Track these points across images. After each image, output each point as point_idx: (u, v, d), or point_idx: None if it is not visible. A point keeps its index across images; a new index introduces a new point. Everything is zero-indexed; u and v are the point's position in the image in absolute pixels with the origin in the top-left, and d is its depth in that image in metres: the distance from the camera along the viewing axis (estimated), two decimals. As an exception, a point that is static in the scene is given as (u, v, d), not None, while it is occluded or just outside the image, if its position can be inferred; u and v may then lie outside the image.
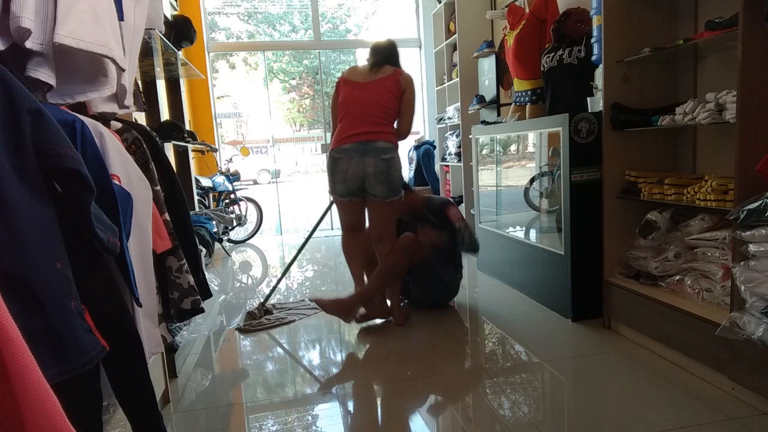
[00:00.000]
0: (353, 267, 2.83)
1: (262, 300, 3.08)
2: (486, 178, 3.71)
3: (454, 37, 4.57)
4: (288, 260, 3.39)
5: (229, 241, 5.26)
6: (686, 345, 1.94)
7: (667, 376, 1.94)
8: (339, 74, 2.77)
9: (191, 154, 4.07)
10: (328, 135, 2.82)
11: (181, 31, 3.52)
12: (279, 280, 3.27)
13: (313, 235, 3.45)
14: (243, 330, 2.74)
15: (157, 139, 1.82)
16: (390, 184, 2.54)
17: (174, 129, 3.42)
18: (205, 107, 5.54)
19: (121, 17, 1.39)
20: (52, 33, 1.06)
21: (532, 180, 3.30)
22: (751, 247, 1.59)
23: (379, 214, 2.65)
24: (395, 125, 2.63)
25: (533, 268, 2.91)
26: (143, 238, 1.45)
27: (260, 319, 2.85)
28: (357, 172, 2.52)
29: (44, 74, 1.09)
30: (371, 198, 2.60)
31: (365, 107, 2.55)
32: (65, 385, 0.83)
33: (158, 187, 1.66)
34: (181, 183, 1.90)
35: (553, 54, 2.80)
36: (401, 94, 2.59)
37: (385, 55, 2.66)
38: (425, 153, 5.40)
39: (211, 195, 5.06)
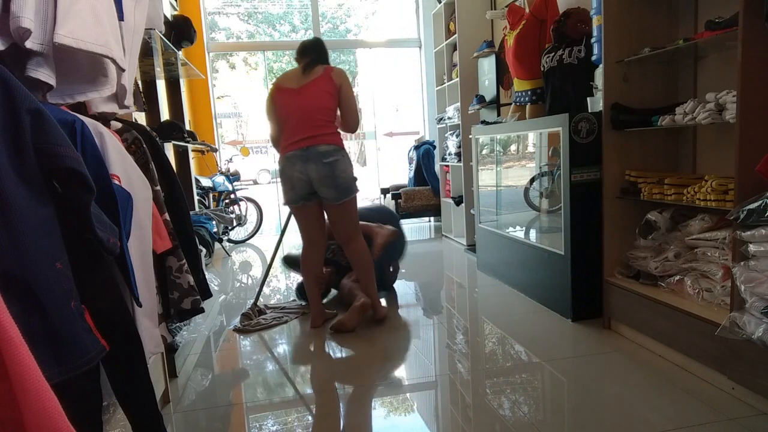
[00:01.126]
0: (310, 287, 2.78)
1: (253, 300, 3.08)
2: (486, 178, 3.71)
3: (454, 37, 4.57)
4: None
5: (229, 241, 5.26)
6: (686, 345, 1.94)
7: (668, 376, 1.94)
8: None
9: (191, 154, 4.07)
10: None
11: (181, 31, 3.52)
12: (263, 282, 3.24)
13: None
14: (241, 330, 2.74)
15: (157, 139, 1.82)
16: (337, 186, 2.53)
17: (174, 129, 3.42)
18: (205, 107, 5.54)
19: (121, 17, 1.39)
20: (52, 33, 1.06)
21: (532, 180, 3.30)
22: (751, 247, 1.59)
23: (337, 217, 2.65)
24: (339, 122, 2.62)
25: (533, 268, 2.91)
26: (143, 238, 1.45)
27: (257, 319, 2.85)
28: (301, 178, 2.53)
29: (44, 74, 1.09)
30: (324, 202, 2.61)
31: (303, 113, 2.53)
32: (65, 385, 0.83)
33: (158, 187, 1.66)
34: (181, 183, 1.91)
35: (553, 54, 2.80)
36: (337, 90, 2.55)
37: (316, 54, 2.62)
38: (425, 153, 5.40)
39: (211, 195, 5.06)
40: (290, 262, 3.24)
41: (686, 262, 2.10)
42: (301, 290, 3.14)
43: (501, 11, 3.87)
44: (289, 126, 2.56)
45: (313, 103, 2.52)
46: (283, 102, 2.58)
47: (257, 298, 3.09)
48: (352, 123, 2.60)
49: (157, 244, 1.57)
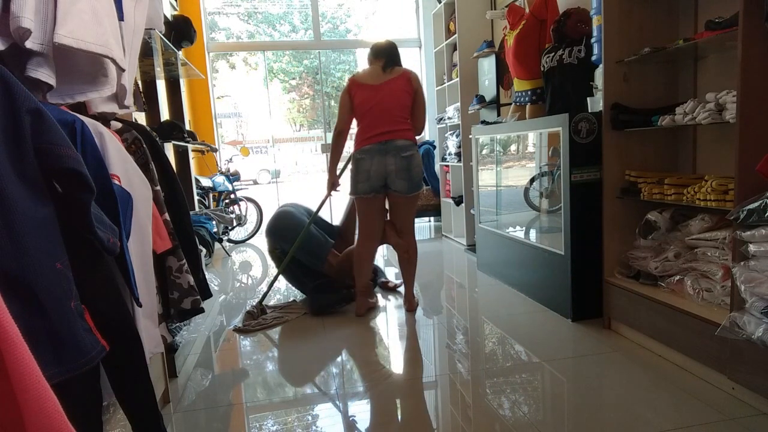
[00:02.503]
0: (363, 278, 2.91)
1: (259, 299, 3.09)
2: (486, 178, 3.71)
3: (454, 37, 4.56)
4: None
5: (229, 241, 5.26)
6: (686, 345, 1.94)
7: (667, 376, 1.94)
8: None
9: (191, 154, 4.06)
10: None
11: (181, 31, 3.53)
12: (273, 282, 3.23)
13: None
14: (242, 330, 2.74)
15: (157, 139, 1.82)
16: (411, 179, 2.67)
17: (174, 129, 3.41)
18: (205, 107, 5.53)
19: (121, 17, 1.39)
20: (52, 33, 1.06)
21: (532, 180, 3.30)
22: (751, 247, 1.59)
23: (402, 209, 2.81)
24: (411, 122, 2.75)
25: (533, 268, 2.91)
26: (143, 238, 1.45)
27: (258, 319, 2.85)
28: (379, 170, 2.65)
29: (44, 74, 1.09)
30: (394, 194, 2.73)
31: (383, 108, 2.66)
32: (65, 385, 0.83)
33: (158, 187, 1.66)
34: (181, 183, 1.91)
35: (553, 54, 2.79)
36: (414, 92, 2.71)
37: (394, 56, 2.77)
38: (425, 153, 5.39)
39: (211, 195, 5.06)
40: (321, 307, 2.99)
41: (686, 262, 2.10)
42: (320, 305, 2.99)
43: (501, 11, 3.87)
44: (368, 120, 2.69)
45: (393, 99, 2.66)
46: (363, 97, 2.69)
47: (264, 297, 3.08)
48: (421, 125, 2.80)
49: (157, 244, 1.57)
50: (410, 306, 2.92)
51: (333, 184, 2.93)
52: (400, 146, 2.63)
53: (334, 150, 2.81)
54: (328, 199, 3.10)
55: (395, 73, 2.70)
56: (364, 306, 2.91)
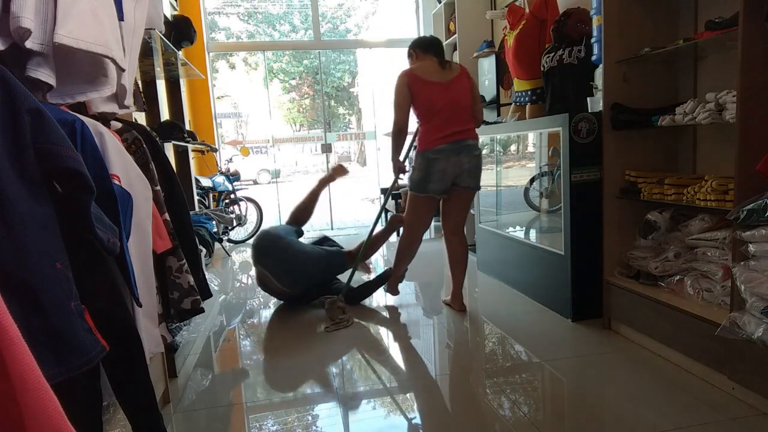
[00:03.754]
0: (406, 263, 3.08)
1: (343, 293, 2.99)
2: (486, 178, 3.71)
3: (454, 37, 4.57)
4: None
5: (229, 241, 5.26)
6: (686, 345, 1.94)
7: (667, 376, 1.94)
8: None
9: (191, 154, 4.06)
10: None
11: (181, 31, 3.53)
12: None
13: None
14: (335, 324, 2.70)
15: (157, 139, 1.82)
16: (478, 176, 2.75)
17: (174, 129, 3.41)
18: (205, 107, 5.53)
19: (121, 17, 1.39)
20: (52, 33, 1.06)
21: (532, 180, 3.30)
22: (751, 247, 1.59)
23: (465, 205, 2.85)
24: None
25: (533, 268, 2.91)
26: (143, 238, 1.45)
27: (345, 315, 2.80)
28: (454, 170, 2.65)
29: (44, 74, 1.09)
30: (461, 190, 2.74)
31: (455, 107, 2.65)
32: (65, 385, 0.83)
33: (158, 187, 1.66)
34: (181, 183, 1.90)
35: (553, 54, 2.80)
36: (473, 88, 2.73)
37: (441, 51, 2.77)
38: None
39: (211, 195, 5.06)
40: (362, 294, 3.14)
41: (686, 262, 2.10)
42: (361, 293, 3.14)
43: (501, 11, 3.87)
44: (440, 119, 2.64)
45: (462, 98, 2.67)
46: (432, 95, 2.64)
47: (349, 292, 3.03)
48: (481, 119, 2.86)
49: (157, 244, 1.57)
50: (461, 306, 2.86)
51: (401, 169, 2.89)
52: (471, 145, 2.66)
53: (396, 146, 2.76)
54: (396, 183, 3.19)
55: (455, 70, 2.69)
56: (396, 288, 3.12)
